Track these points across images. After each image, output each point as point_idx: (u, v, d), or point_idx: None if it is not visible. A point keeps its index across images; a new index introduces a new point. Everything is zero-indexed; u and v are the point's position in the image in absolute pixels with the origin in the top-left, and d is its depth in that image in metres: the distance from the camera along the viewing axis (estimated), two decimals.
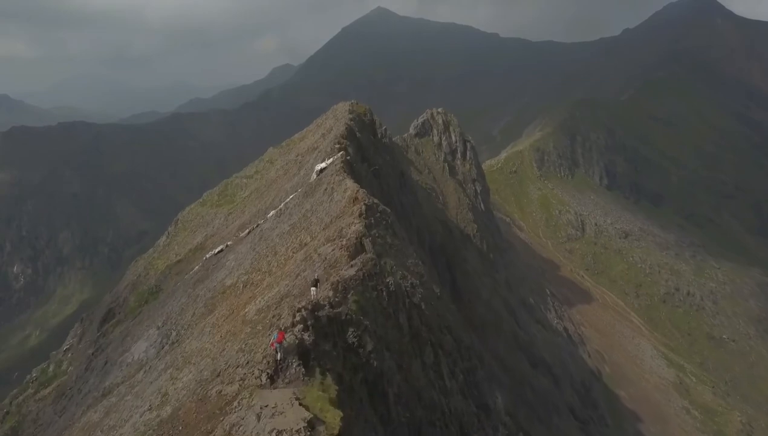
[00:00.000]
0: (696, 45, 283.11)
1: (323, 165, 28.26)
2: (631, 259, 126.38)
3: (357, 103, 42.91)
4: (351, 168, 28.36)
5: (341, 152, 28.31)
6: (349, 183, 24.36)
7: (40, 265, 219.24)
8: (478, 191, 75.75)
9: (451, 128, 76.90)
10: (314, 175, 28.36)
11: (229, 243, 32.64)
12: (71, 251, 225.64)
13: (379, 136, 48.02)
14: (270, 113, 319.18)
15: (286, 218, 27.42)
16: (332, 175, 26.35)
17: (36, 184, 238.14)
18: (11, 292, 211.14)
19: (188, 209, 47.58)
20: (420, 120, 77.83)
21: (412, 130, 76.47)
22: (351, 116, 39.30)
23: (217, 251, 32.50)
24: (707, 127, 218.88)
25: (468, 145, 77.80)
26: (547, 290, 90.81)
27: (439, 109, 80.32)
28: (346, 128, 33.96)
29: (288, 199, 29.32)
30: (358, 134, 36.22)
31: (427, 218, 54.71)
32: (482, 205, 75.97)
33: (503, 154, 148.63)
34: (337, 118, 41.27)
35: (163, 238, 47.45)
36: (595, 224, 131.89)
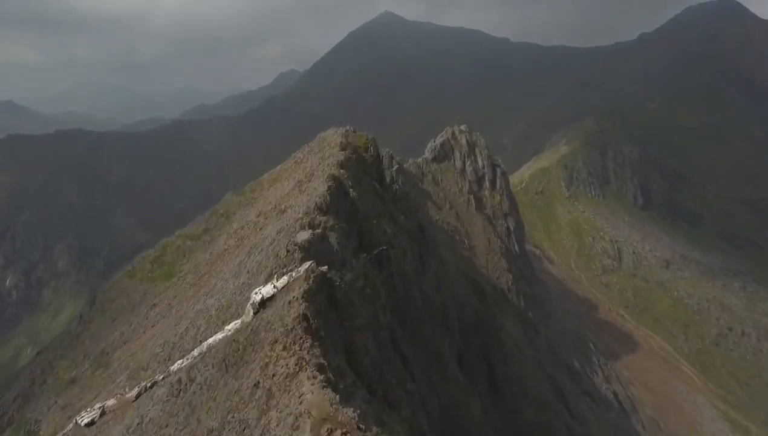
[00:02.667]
0: (723, 49, 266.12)
1: (269, 290, 13.19)
2: (675, 293, 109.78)
3: (354, 132, 27.80)
4: (327, 303, 13.16)
5: (309, 264, 13.16)
6: (310, 395, 9.04)
7: (34, 278, 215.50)
8: (512, 229, 60.34)
9: (477, 150, 61.53)
10: (251, 311, 13.28)
11: (109, 403, 17.79)
12: (66, 263, 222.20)
13: (389, 180, 32.94)
14: (274, 119, 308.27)
15: (180, 412, 12.29)
16: (280, 341, 11.23)
17: (32, 193, 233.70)
18: (4, 306, 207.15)
19: (112, 282, 33.30)
20: (438, 141, 62.03)
21: (428, 154, 60.79)
22: (343, 156, 24.18)
23: (87, 420, 17.63)
24: (742, 138, 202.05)
25: (498, 170, 62.22)
26: (590, 344, 75.11)
27: (462, 127, 64.54)
28: (329, 189, 18.92)
29: (204, 349, 14.24)
30: (352, 193, 21.12)
31: (453, 282, 39.70)
32: (516, 246, 60.61)
33: (527, 172, 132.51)
34: (323, 156, 26.24)
35: (75, 323, 32.95)
36: (633, 253, 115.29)
